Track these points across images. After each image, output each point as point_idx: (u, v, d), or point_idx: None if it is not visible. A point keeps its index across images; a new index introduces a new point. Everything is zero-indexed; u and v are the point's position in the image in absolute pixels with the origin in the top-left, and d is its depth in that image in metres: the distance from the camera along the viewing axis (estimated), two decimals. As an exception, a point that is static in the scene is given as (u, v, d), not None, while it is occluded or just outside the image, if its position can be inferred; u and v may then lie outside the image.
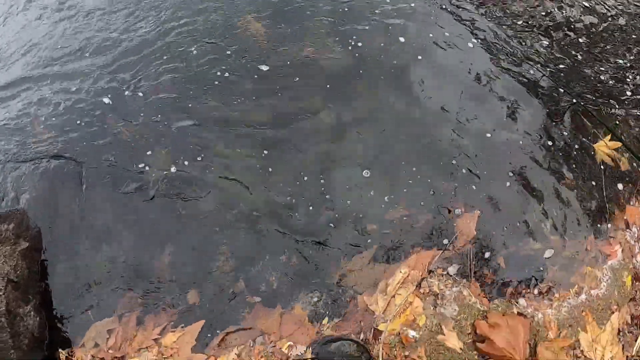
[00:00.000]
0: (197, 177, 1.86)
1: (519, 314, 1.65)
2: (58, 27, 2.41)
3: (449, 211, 1.75)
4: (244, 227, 1.73)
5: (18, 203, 1.92)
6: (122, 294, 1.72)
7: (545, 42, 2.33)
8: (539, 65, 2.18)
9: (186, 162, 1.89)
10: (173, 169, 1.87)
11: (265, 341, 1.57)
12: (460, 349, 1.58)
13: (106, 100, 2.09)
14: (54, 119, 2.08)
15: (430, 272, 1.63)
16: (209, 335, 1.61)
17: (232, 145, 1.90)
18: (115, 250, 1.77)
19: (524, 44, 2.30)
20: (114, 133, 1.99)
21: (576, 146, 1.96)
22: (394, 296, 1.58)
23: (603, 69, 2.24)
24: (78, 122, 2.05)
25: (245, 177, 1.83)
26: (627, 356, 1.75)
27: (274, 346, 1.56)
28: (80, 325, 1.73)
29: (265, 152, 1.89)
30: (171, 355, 1.61)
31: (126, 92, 2.10)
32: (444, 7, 2.38)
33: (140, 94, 2.08)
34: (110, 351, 1.67)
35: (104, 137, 1.98)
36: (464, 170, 1.85)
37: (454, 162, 1.87)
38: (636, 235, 1.90)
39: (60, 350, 1.68)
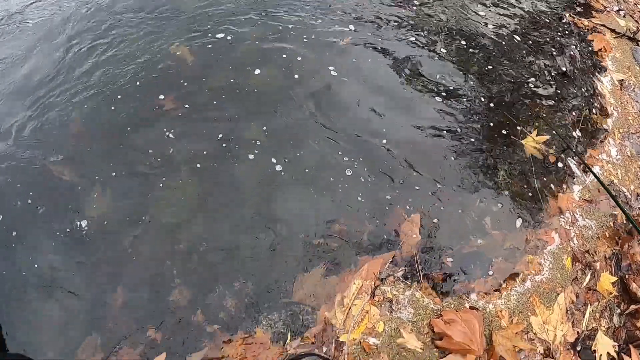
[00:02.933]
0: (136, 212, 1.87)
1: (471, 308, 1.75)
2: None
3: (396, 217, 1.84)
4: (194, 259, 1.75)
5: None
6: (80, 340, 1.69)
7: (463, 48, 2.51)
8: (460, 72, 2.35)
9: (124, 198, 1.90)
10: (112, 206, 1.88)
11: (231, 369, 1.59)
12: (421, 348, 1.65)
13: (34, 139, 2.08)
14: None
15: (382, 280, 1.71)
16: (173, 370, 1.61)
17: (169, 177, 1.93)
18: (66, 297, 1.74)
19: (445, 51, 2.47)
20: (49, 173, 1.98)
21: (506, 143, 2.11)
22: (350, 307, 1.64)
23: (515, 70, 2.44)
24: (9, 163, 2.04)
25: (185, 209, 1.85)
26: (577, 332, 1.87)
27: (240, 373, 1.58)
28: (41, 380, 1.69)
29: (203, 180, 1.92)
30: (137, 396, 1.60)
31: (58, 124, 2.11)
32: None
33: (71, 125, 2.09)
34: (73, 403, 1.64)
35: (41, 179, 1.97)
36: (400, 178, 1.95)
37: (389, 169, 1.97)
38: (570, 220, 2.06)
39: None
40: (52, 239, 1.86)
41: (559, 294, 1.91)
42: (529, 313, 1.83)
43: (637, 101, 2.60)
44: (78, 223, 1.85)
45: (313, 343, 1.60)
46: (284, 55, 2.31)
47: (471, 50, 2.50)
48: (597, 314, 1.96)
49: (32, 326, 1.76)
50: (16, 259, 1.85)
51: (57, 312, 1.75)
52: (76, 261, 1.80)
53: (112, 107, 2.15)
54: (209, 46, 2.34)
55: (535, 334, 1.83)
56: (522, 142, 2.12)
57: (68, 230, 1.85)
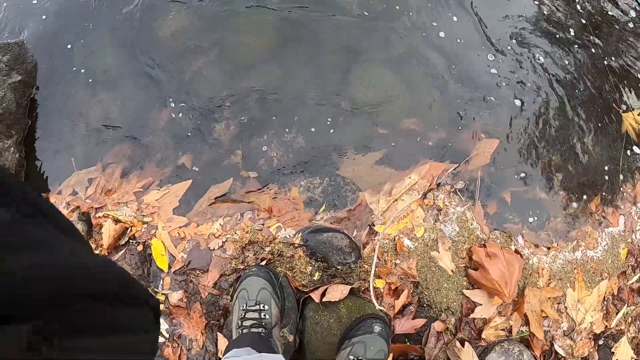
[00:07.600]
0: (208, 38, 1.74)
1: (516, 251, 1.60)
2: None
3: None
4: (252, 98, 1.62)
5: (19, 35, 1.79)
6: (112, 144, 1.61)
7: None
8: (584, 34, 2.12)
9: (201, 22, 1.77)
10: (188, 25, 1.76)
11: (254, 217, 1.48)
12: (452, 271, 1.52)
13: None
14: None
15: (438, 184, 1.56)
16: (194, 201, 1.51)
17: (254, 15, 1.78)
18: (112, 99, 1.66)
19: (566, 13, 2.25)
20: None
21: (605, 109, 1.91)
22: (396, 200, 1.51)
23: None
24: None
25: (260, 52, 1.72)
26: (605, 326, 1.73)
27: (262, 224, 1.47)
28: (61, 171, 1.62)
29: (288, 29, 1.76)
30: (151, 214, 1.51)
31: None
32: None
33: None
34: (87, 201, 1.56)
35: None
36: (490, 100, 1.77)
37: (482, 91, 1.79)
38: (640, 213, 1.87)
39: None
40: (114, 44, 1.76)
41: (603, 279, 1.75)
42: (568, 284, 1.68)
43: None
44: (145, 34, 1.73)
45: (346, 222, 1.48)
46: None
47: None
48: (630, 318, 1.80)
49: (71, 121, 1.68)
50: (73, 56, 1.77)
51: (96, 112, 1.67)
52: (132, 68, 1.70)
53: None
54: None
55: (566, 307, 1.69)
56: (623, 114, 1.91)
57: (133, 38, 1.75)
